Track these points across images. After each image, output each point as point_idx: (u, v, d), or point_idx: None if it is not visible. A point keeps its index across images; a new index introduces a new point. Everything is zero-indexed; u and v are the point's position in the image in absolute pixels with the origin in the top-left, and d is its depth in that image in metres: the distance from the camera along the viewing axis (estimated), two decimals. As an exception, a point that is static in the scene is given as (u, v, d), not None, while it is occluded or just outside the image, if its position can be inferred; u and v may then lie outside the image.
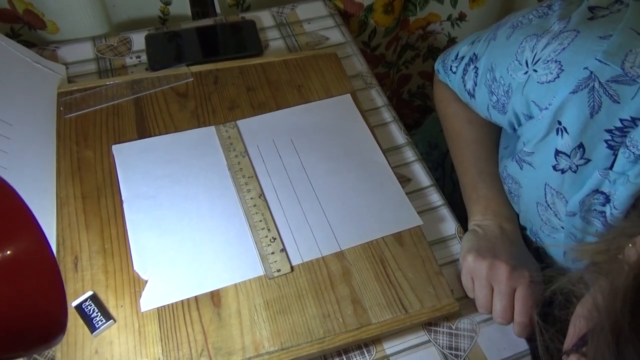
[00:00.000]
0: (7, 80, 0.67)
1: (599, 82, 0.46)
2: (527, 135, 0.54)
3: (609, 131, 0.47)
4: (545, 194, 0.55)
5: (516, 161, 0.58)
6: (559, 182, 0.53)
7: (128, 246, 0.58)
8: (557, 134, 0.50)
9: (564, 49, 0.49)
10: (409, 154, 0.72)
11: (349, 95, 0.75)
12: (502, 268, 0.55)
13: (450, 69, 0.68)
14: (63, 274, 0.56)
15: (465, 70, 0.64)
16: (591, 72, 0.46)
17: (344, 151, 0.69)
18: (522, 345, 0.57)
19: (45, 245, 0.35)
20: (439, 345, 0.57)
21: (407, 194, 0.65)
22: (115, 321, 0.54)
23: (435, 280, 0.58)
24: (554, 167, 0.52)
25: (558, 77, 0.49)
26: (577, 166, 0.50)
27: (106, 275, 0.56)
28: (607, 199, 0.48)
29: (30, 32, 0.84)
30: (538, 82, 0.50)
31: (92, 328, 0.53)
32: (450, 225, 0.66)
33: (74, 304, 0.54)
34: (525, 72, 0.52)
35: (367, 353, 0.56)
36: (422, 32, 1.15)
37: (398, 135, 0.74)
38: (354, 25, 1.02)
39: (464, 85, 0.64)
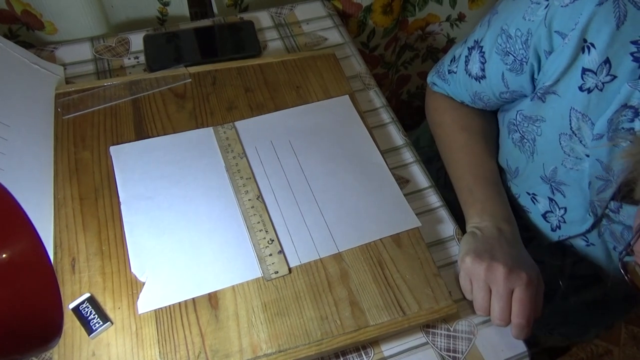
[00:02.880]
0: (5, 81, 0.67)
1: None
2: (549, 71, 0.55)
3: (634, 42, 0.47)
4: (570, 121, 0.55)
5: (538, 97, 0.58)
6: (585, 104, 0.53)
7: (125, 248, 0.58)
8: (584, 52, 0.51)
9: None
10: (408, 155, 0.72)
11: (347, 96, 0.75)
12: (499, 270, 0.55)
13: (449, 73, 0.69)
14: (60, 275, 0.56)
15: (467, 61, 0.65)
16: None
17: (343, 152, 0.68)
18: (520, 347, 0.57)
19: (41, 247, 0.35)
20: (437, 348, 0.57)
21: (405, 195, 0.65)
22: (112, 323, 0.54)
23: (433, 282, 0.58)
24: (580, 88, 0.52)
25: None
26: (603, 84, 0.51)
27: (103, 277, 0.56)
28: (637, 113, 0.48)
29: (28, 32, 0.84)
30: (562, 6, 0.51)
31: (90, 330, 0.53)
32: (448, 227, 0.66)
33: (71, 306, 0.54)
34: (546, 6, 0.53)
35: (365, 355, 0.56)
36: (421, 33, 1.15)
37: (396, 136, 0.74)
38: (353, 25, 1.02)
39: (469, 74, 0.65)
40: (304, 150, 0.68)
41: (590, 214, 0.58)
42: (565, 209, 0.61)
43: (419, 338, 0.57)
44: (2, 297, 0.33)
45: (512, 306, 0.55)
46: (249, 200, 0.63)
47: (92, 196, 0.62)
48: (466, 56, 0.66)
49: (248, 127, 0.70)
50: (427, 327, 0.58)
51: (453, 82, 0.70)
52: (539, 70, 0.56)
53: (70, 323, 0.53)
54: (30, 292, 0.35)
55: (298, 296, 0.56)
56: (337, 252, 0.60)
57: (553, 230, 0.64)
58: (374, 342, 0.57)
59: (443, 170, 0.71)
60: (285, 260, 0.59)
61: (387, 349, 0.56)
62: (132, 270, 0.57)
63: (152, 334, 0.53)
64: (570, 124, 0.55)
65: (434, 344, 0.57)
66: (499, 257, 0.56)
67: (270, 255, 0.59)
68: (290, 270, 0.58)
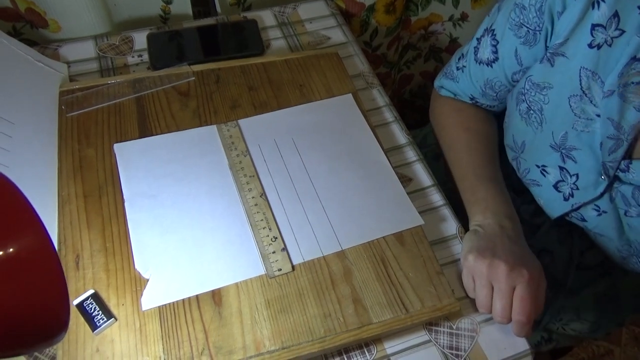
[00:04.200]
0: (9, 78, 0.67)
1: None
2: (560, 30, 0.56)
3: None
4: (580, 81, 0.56)
5: (547, 59, 0.59)
6: (594, 61, 0.54)
7: (129, 245, 0.58)
8: (593, 7, 0.52)
9: None
10: (411, 154, 0.72)
11: (350, 95, 0.75)
12: (501, 267, 0.55)
13: (457, 70, 0.69)
14: (64, 272, 0.56)
15: (476, 51, 0.67)
16: None
17: (346, 151, 0.69)
18: (523, 345, 0.57)
19: (48, 243, 0.35)
20: (439, 345, 0.57)
21: (408, 193, 0.65)
22: (116, 320, 0.54)
23: (436, 280, 0.58)
24: (590, 45, 0.53)
25: None
26: (612, 39, 0.52)
27: (107, 273, 0.57)
28: None
29: (32, 30, 0.84)
30: None
31: (94, 326, 0.53)
32: (451, 225, 0.66)
33: (76, 302, 0.54)
34: None
35: (368, 352, 0.56)
36: (424, 32, 1.15)
37: (399, 135, 0.74)
38: (356, 25, 1.02)
39: (480, 62, 0.67)
40: (307, 149, 0.68)
41: (603, 176, 0.58)
42: (577, 175, 0.61)
43: (421, 336, 0.57)
44: (8, 291, 0.34)
45: (512, 303, 0.55)
46: (253, 198, 0.63)
47: (96, 193, 0.62)
48: (475, 47, 0.67)
49: (251, 126, 0.70)
50: (429, 324, 0.58)
51: (462, 78, 0.70)
52: (552, 33, 0.58)
53: (75, 319, 0.53)
54: (37, 286, 0.35)
55: (301, 293, 0.57)
56: (340, 249, 0.60)
57: (566, 199, 0.64)
58: (377, 340, 0.57)
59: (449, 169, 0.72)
60: (289, 258, 0.59)
61: (390, 346, 0.56)
62: (136, 267, 0.57)
63: (156, 330, 0.53)
64: (581, 84, 0.56)
65: (436, 342, 0.57)
66: (501, 254, 0.56)
67: (274, 252, 0.59)
68: (293, 267, 0.58)
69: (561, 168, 0.62)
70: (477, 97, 0.71)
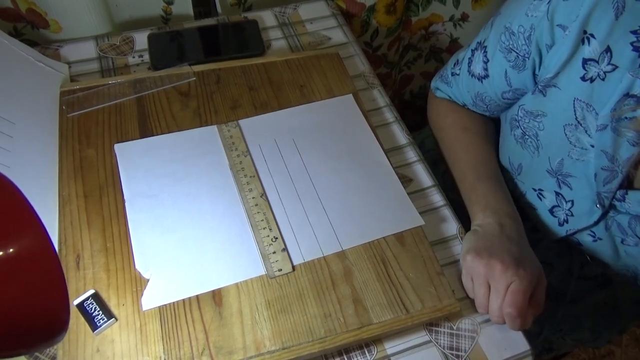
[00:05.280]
0: (10, 78, 0.67)
1: None
2: (550, 64, 0.56)
3: (634, 32, 0.48)
4: (574, 111, 0.56)
5: (539, 91, 0.58)
6: (588, 93, 0.53)
7: (130, 245, 0.59)
8: (584, 43, 0.52)
9: None
10: (411, 154, 0.72)
11: (351, 95, 0.75)
12: (497, 267, 0.55)
13: (452, 75, 0.69)
14: (65, 272, 0.56)
15: (469, 62, 0.66)
16: None
17: (346, 151, 0.69)
18: (523, 345, 0.57)
19: (48, 243, 0.35)
20: (440, 346, 0.57)
21: (408, 194, 0.65)
22: (116, 320, 0.54)
23: (436, 280, 0.58)
24: (583, 78, 0.53)
25: None
26: (605, 73, 0.51)
27: (108, 273, 0.57)
28: (639, 102, 0.49)
29: (33, 31, 0.84)
30: (563, 0, 0.52)
31: (94, 326, 0.53)
32: (451, 226, 0.66)
33: (76, 302, 0.54)
34: (548, 1, 0.54)
35: (368, 353, 0.56)
36: (425, 33, 1.15)
37: (400, 135, 0.74)
38: (356, 25, 1.02)
39: (472, 75, 0.66)
40: (307, 149, 0.68)
41: (598, 205, 0.58)
42: (572, 202, 0.61)
43: (422, 336, 0.57)
44: (8, 291, 0.34)
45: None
46: (253, 198, 0.63)
47: (96, 193, 0.62)
48: (469, 58, 0.67)
49: (252, 126, 0.70)
50: (430, 325, 0.58)
51: (455, 84, 0.70)
52: (540, 65, 0.57)
53: (75, 319, 0.53)
54: (37, 287, 0.35)
55: (301, 294, 0.57)
56: (341, 250, 0.60)
57: (560, 224, 0.64)
58: (377, 340, 0.57)
59: (448, 173, 0.72)
60: (289, 258, 0.59)
61: (390, 347, 0.56)
62: (137, 267, 0.57)
63: (156, 330, 0.53)
64: (575, 114, 0.55)
65: (437, 342, 0.57)
66: (498, 254, 0.57)
67: (274, 253, 0.59)
68: (293, 267, 0.58)
69: (557, 193, 0.63)
70: (468, 105, 0.71)
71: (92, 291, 0.55)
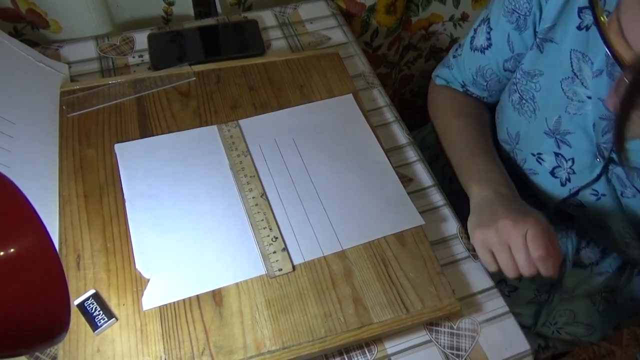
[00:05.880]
0: (10, 79, 0.67)
1: None
2: (548, 15, 0.57)
3: None
4: (571, 63, 0.56)
5: (536, 46, 0.60)
6: (584, 42, 0.54)
7: (130, 245, 0.59)
8: None
9: None
10: (411, 154, 0.72)
11: (351, 95, 0.75)
12: (507, 225, 0.56)
13: (453, 58, 0.73)
14: (65, 272, 0.56)
15: (472, 40, 0.69)
16: None
17: (346, 151, 0.69)
18: (524, 345, 0.57)
19: (49, 243, 0.35)
20: (440, 345, 0.57)
21: (408, 193, 0.65)
22: (117, 320, 0.54)
23: (436, 280, 0.58)
24: (578, 27, 0.54)
25: None
26: None
27: (108, 273, 0.57)
28: None
29: (33, 31, 0.84)
30: None
31: (94, 326, 0.53)
32: (451, 225, 0.66)
33: (76, 302, 0.54)
34: None
35: (369, 352, 0.56)
36: (425, 33, 1.16)
37: (400, 135, 0.74)
38: (356, 25, 1.02)
39: (474, 49, 0.69)
40: (307, 149, 0.68)
41: (599, 158, 0.59)
42: (573, 159, 0.62)
43: (422, 336, 0.57)
44: (9, 291, 0.34)
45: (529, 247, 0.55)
46: (253, 198, 0.63)
47: (96, 193, 0.62)
48: (472, 36, 0.70)
49: (252, 126, 0.70)
50: (430, 325, 0.58)
51: (456, 65, 0.73)
52: (540, 19, 0.59)
53: (75, 319, 0.53)
54: (38, 286, 0.35)
55: (302, 293, 0.57)
56: (341, 249, 0.60)
57: (563, 184, 0.65)
58: (378, 340, 0.57)
59: (448, 166, 0.73)
60: (289, 258, 0.59)
61: (391, 346, 0.56)
62: (137, 267, 0.57)
63: (157, 330, 0.53)
64: (572, 66, 0.57)
65: (437, 342, 0.57)
66: (502, 215, 0.57)
67: (274, 252, 0.59)
68: (294, 267, 0.58)
69: (556, 154, 0.63)
70: (468, 84, 0.73)
71: (92, 291, 0.55)
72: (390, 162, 0.68)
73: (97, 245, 0.58)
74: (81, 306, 0.54)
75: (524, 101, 0.64)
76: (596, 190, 0.62)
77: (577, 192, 0.64)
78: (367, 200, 0.64)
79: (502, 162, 0.70)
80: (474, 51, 0.69)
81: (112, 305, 0.55)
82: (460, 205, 0.67)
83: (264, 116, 0.72)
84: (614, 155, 0.57)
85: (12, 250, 0.33)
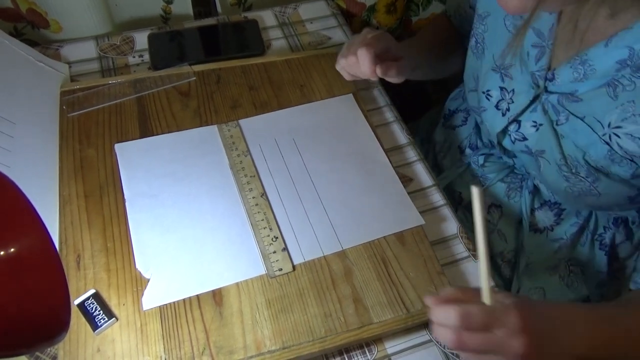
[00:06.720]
0: (11, 78, 0.67)
1: None
2: None
3: None
4: None
5: None
6: None
7: (130, 245, 0.59)
8: None
9: None
10: (411, 154, 0.72)
11: (351, 95, 0.75)
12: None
13: None
14: (66, 272, 0.56)
15: None
16: None
17: (346, 151, 0.69)
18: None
19: (49, 243, 0.35)
20: (440, 345, 0.57)
21: (409, 193, 0.65)
22: (117, 319, 0.54)
23: (437, 279, 0.58)
24: None
25: None
26: None
27: (108, 273, 0.57)
28: None
29: (33, 31, 0.84)
30: None
31: (95, 326, 0.53)
32: (452, 225, 0.66)
33: (77, 302, 0.54)
34: None
35: (369, 352, 0.56)
36: (424, 32, 1.15)
37: (400, 135, 0.74)
38: (357, 25, 1.02)
39: None
40: (307, 149, 0.68)
41: (533, 85, 0.63)
42: (513, 90, 0.65)
43: (422, 335, 0.57)
44: (9, 290, 0.34)
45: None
46: (253, 197, 0.63)
47: (97, 193, 0.62)
48: None
49: (252, 125, 0.71)
50: (430, 324, 0.58)
51: None
52: None
53: (76, 319, 0.53)
54: (39, 286, 0.35)
55: (302, 293, 0.57)
56: (341, 249, 0.60)
57: (503, 114, 0.68)
58: (378, 340, 0.57)
59: (442, 154, 0.82)
60: (289, 258, 0.59)
61: (391, 346, 0.56)
62: (137, 266, 0.57)
63: (157, 330, 0.53)
64: None
65: (437, 342, 0.57)
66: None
67: (274, 252, 0.59)
68: (294, 267, 0.58)
69: (501, 88, 0.67)
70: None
71: (92, 291, 0.55)
72: (391, 162, 0.68)
73: (97, 245, 0.58)
74: (81, 306, 0.54)
75: (478, 44, 0.69)
76: (535, 122, 0.65)
77: (516, 122, 0.67)
78: (367, 200, 0.64)
79: (470, 108, 0.76)
80: None
81: (112, 305, 0.55)
82: (459, 205, 0.67)
83: (264, 116, 0.72)
84: (548, 85, 0.61)
85: (12, 250, 0.33)
